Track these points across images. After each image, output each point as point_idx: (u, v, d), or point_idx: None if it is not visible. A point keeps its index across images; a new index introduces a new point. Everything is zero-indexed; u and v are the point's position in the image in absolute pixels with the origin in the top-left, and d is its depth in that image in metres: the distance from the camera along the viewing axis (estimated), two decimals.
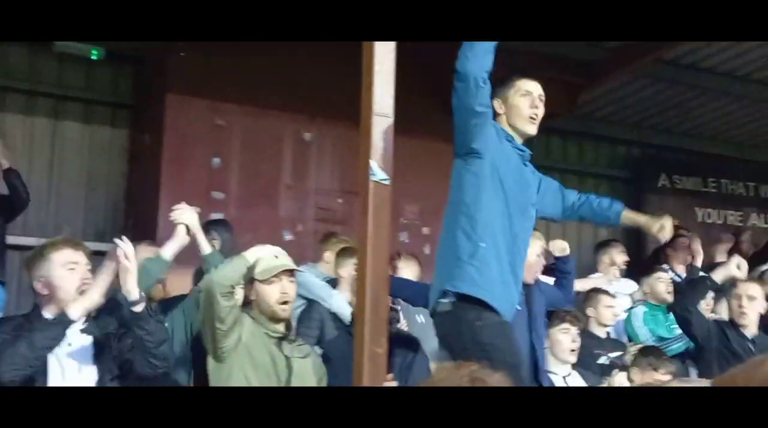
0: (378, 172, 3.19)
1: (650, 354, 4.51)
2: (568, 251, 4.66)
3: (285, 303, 3.52)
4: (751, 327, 4.85)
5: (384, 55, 3.26)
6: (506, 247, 3.22)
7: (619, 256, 6.16)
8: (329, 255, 5.02)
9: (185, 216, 3.89)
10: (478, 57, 3.01)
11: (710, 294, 5.45)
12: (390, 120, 3.25)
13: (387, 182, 3.19)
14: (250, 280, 3.50)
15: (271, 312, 3.49)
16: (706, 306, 5.54)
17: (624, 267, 6.21)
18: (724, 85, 7.55)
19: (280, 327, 3.52)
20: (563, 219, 3.82)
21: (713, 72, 7.39)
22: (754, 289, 4.91)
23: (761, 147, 9.20)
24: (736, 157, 9.18)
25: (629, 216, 3.66)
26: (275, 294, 3.50)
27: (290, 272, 3.58)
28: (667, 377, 4.30)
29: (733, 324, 4.90)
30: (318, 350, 3.95)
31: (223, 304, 3.28)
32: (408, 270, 4.73)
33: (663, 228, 3.57)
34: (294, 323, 4.62)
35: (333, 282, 4.71)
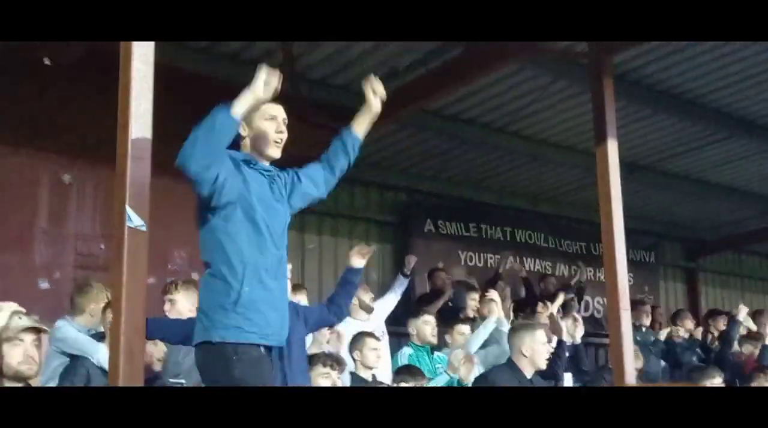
0: (134, 218, 3.07)
1: (403, 371, 4.97)
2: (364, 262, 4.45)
3: (28, 363, 3.46)
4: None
5: (141, 94, 3.17)
6: (273, 276, 3.20)
7: (365, 296, 6.29)
8: (88, 306, 4.77)
9: None
10: (197, 155, 2.98)
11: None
12: (147, 163, 3.15)
13: (143, 228, 3.07)
14: None
15: (14, 373, 3.41)
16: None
17: (372, 304, 6.32)
18: (483, 135, 8.03)
19: None
20: (329, 191, 3.64)
21: (472, 123, 7.85)
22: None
23: (516, 194, 9.87)
24: (494, 203, 9.78)
25: (357, 121, 3.56)
26: (18, 355, 3.43)
27: (35, 331, 3.47)
28: None
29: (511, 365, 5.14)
30: None
31: None
32: (186, 300, 4.60)
33: (374, 91, 3.50)
34: (54, 383, 4.35)
35: (99, 336, 4.47)
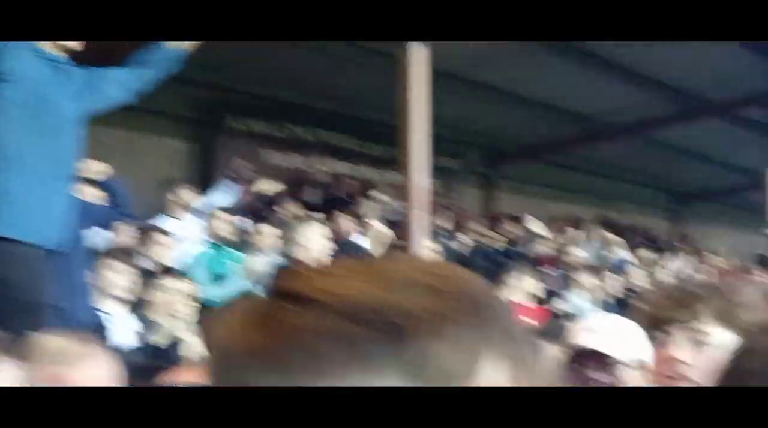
0: None
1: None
2: (102, 174, 4.29)
3: None
4: None
5: None
6: (48, 172, 2.98)
7: (186, 195, 6.02)
8: None
9: None
10: None
11: None
12: None
13: None
14: None
15: None
16: None
17: (194, 205, 6.07)
18: None
19: None
20: (136, 94, 3.50)
21: None
22: None
23: (325, 96, 9.67)
24: (301, 103, 9.55)
25: None
26: None
27: None
28: None
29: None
30: None
31: None
32: None
33: None
34: None
35: None
